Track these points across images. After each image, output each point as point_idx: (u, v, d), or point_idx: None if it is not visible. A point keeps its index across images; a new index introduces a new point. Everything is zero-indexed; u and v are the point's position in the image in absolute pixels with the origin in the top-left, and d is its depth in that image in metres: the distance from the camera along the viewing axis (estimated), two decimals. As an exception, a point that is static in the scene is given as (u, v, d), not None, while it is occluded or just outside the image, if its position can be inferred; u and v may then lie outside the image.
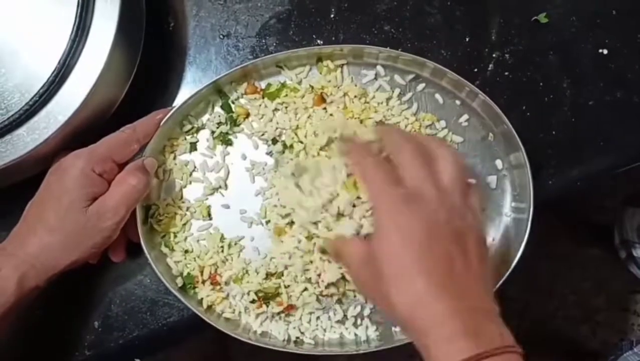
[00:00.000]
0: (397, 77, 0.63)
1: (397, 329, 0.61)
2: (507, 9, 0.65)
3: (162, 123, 0.59)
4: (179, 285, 0.61)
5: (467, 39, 0.65)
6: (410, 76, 0.63)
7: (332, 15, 0.65)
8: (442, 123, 0.63)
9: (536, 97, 0.65)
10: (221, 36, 0.65)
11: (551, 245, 1.41)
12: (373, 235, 0.47)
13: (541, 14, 0.65)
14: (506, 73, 0.65)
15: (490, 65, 0.65)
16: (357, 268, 0.48)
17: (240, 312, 0.62)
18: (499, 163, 0.62)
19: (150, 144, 0.59)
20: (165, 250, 0.62)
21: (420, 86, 0.63)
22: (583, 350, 1.43)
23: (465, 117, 0.63)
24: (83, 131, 0.57)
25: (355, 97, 0.62)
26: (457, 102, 0.63)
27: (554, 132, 0.64)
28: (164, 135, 0.62)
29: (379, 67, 0.63)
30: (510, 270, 0.58)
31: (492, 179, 0.62)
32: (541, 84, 0.65)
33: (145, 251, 0.59)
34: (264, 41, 0.65)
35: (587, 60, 0.65)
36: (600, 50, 0.65)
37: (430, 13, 0.65)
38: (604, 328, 1.46)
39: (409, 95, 0.63)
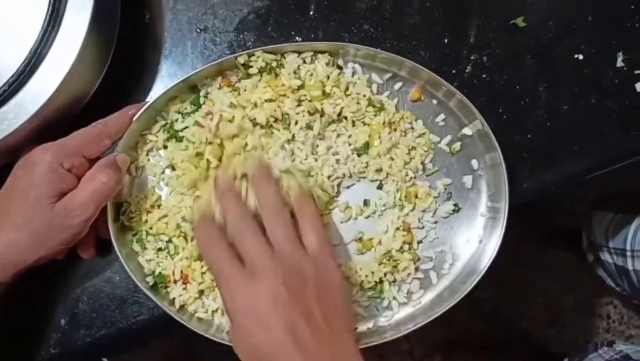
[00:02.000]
0: (374, 76, 0.63)
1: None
2: (486, 12, 0.66)
3: (134, 118, 0.58)
4: (150, 283, 0.59)
5: (446, 41, 0.65)
6: (388, 75, 0.63)
7: (311, 13, 0.64)
8: (419, 122, 0.63)
9: (512, 100, 0.65)
10: (198, 30, 0.64)
11: (521, 248, 1.43)
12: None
13: (519, 17, 0.65)
14: (484, 75, 0.65)
15: (468, 68, 0.65)
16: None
17: (213, 312, 0.60)
18: (474, 163, 0.63)
19: (123, 140, 0.58)
20: (137, 248, 0.60)
21: (398, 85, 0.63)
22: (549, 351, 1.45)
23: (442, 116, 0.63)
24: (53, 123, 0.55)
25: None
26: (434, 102, 0.63)
27: (529, 135, 0.65)
28: (137, 130, 0.60)
29: (356, 66, 0.63)
30: (485, 269, 0.59)
31: (467, 179, 0.63)
32: (517, 87, 0.65)
33: (117, 249, 0.57)
34: (241, 36, 0.64)
35: (563, 65, 0.66)
36: (576, 56, 0.66)
37: (409, 14, 0.65)
38: (570, 330, 1.48)
39: (386, 93, 0.63)
